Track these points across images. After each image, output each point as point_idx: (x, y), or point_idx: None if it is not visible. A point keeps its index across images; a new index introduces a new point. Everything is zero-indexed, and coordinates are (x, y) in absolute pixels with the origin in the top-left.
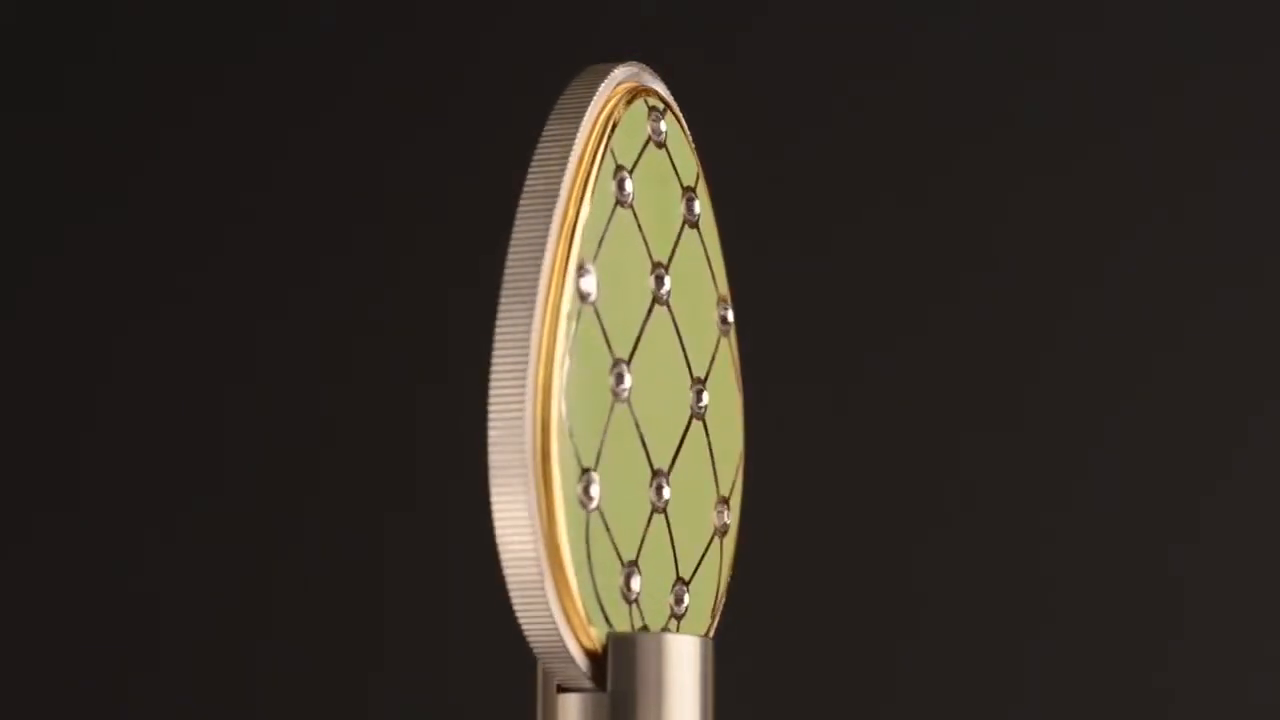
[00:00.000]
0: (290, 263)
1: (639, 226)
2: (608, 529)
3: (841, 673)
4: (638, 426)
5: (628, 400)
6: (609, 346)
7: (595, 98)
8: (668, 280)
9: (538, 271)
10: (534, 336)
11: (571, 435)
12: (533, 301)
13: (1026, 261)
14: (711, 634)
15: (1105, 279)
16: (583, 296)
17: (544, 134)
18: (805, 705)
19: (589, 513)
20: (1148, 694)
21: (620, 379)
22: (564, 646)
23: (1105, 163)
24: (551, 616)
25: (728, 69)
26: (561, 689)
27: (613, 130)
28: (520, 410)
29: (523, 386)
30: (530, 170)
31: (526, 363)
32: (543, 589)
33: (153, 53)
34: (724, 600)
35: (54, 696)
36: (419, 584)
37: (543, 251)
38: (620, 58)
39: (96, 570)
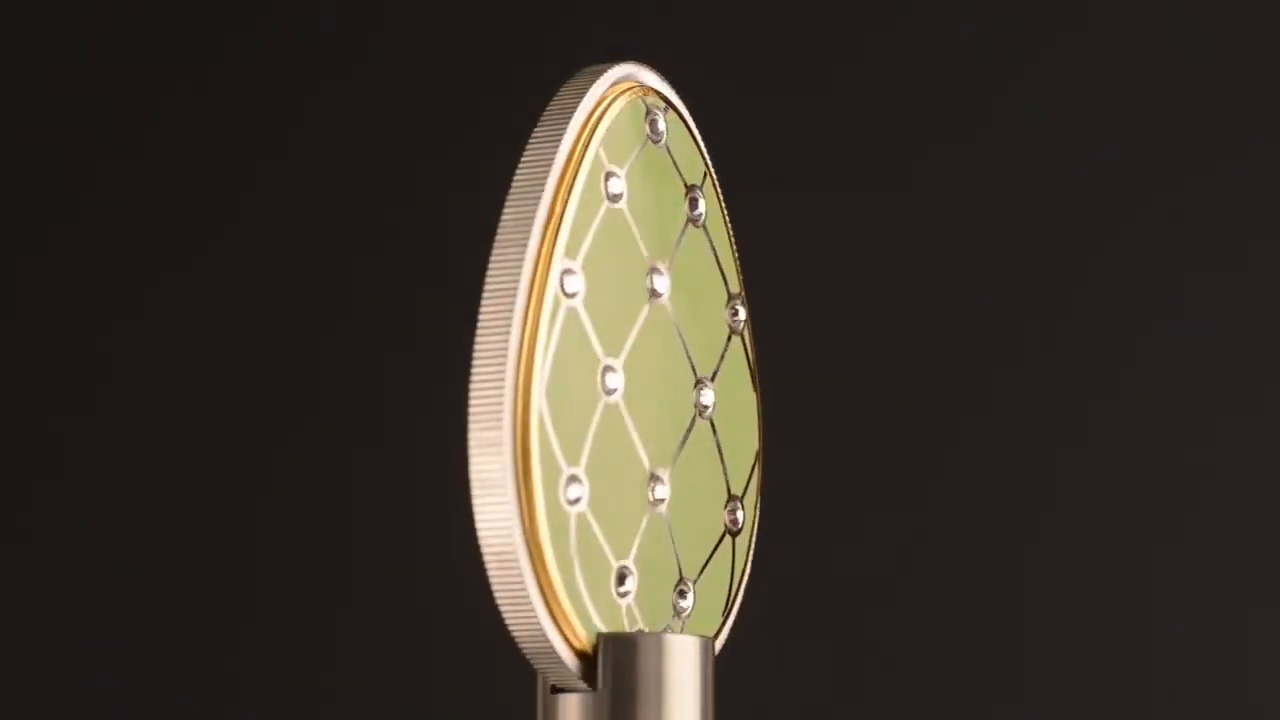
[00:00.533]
0: (279, 261)
1: (633, 226)
2: (596, 529)
3: (844, 675)
4: (631, 426)
5: (619, 400)
6: (596, 346)
7: (585, 98)
8: (667, 279)
9: (518, 272)
10: (513, 337)
11: (553, 435)
12: (512, 302)
13: (1042, 253)
14: (724, 634)
15: (1111, 278)
16: (566, 296)
17: (532, 135)
18: (808, 705)
19: (574, 513)
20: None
21: (609, 378)
22: (551, 647)
23: (1104, 161)
24: (536, 617)
25: (729, 69)
26: (555, 689)
27: (604, 130)
28: (499, 411)
29: (501, 387)
30: (517, 171)
31: (505, 363)
32: (525, 590)
33: (143, 51)
34: (739, 600)
35: (50, 697)
36: (420, 584)
37: (524, 252)
38: (622, 57)
39: (88, 569)
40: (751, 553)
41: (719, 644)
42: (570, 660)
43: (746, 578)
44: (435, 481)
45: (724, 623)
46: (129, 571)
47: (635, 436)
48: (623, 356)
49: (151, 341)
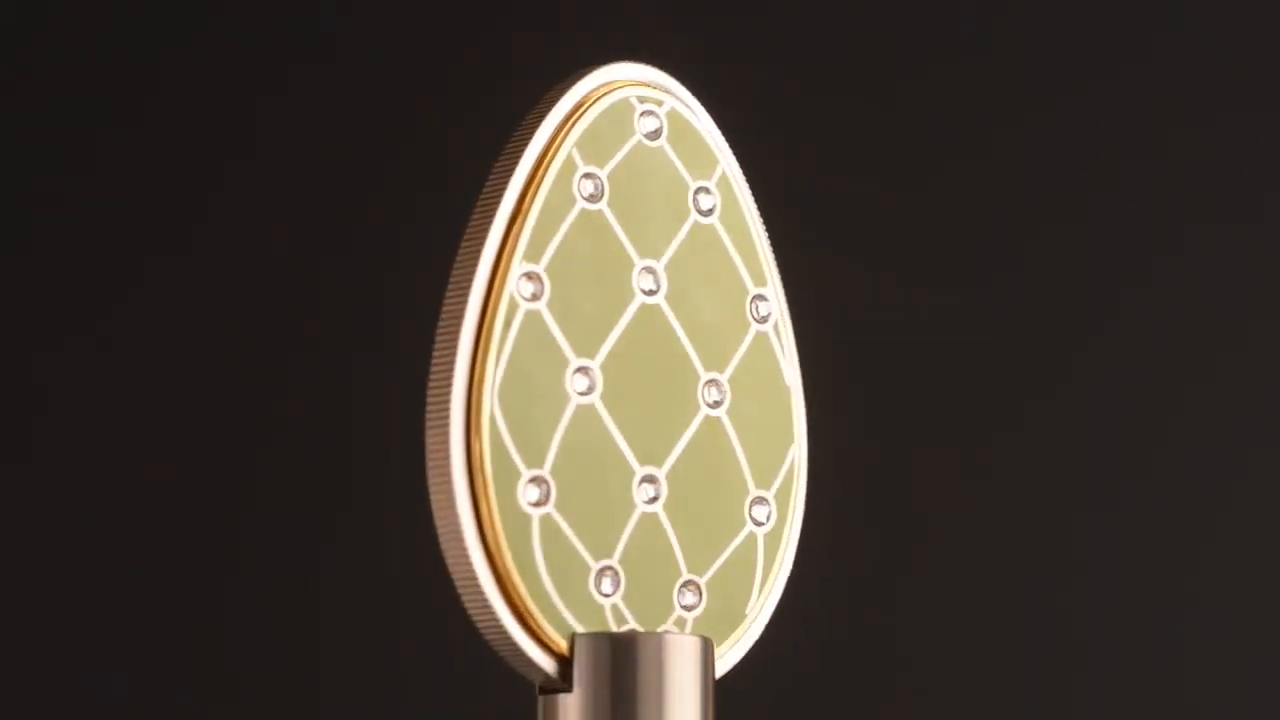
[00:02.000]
0: (266, 261)
1: (616, 226)
2: (567, 530)
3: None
4: (612, 426)
5: (595, 400)
6: (565, 347)
7: (558, 105)
8: (661, 277)
9: (470, 279)
10: (463, 343)
11: (509, 439)
12: (463, 308)
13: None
14: (754, 631)
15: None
16: (524, 300)
17: (507, 143)
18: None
19: (537, 515)
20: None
21: (579, 380)
22: (518, 649)
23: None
24: (498, 620)
25: (730, 67)
26: (541, 690)
27: (580, 132)
28: (445, 417)
29: (448, 394)
30: (487, 180)
31: (453, 370)
32: (484, 594)
33: (123, 45)
34: (775, 597)
35: (48, 699)
36: (424, 584)
37: (477, 260)
38: (625, 57)
39: (85, 570)
40: (788, 550)
41: (749, 641)
42: (544, 661)
43: (781, 575)
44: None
45: (749, 621)
46: (123, 574)
47: (618, 436)
48: (600, 357)
49: (137, 339)
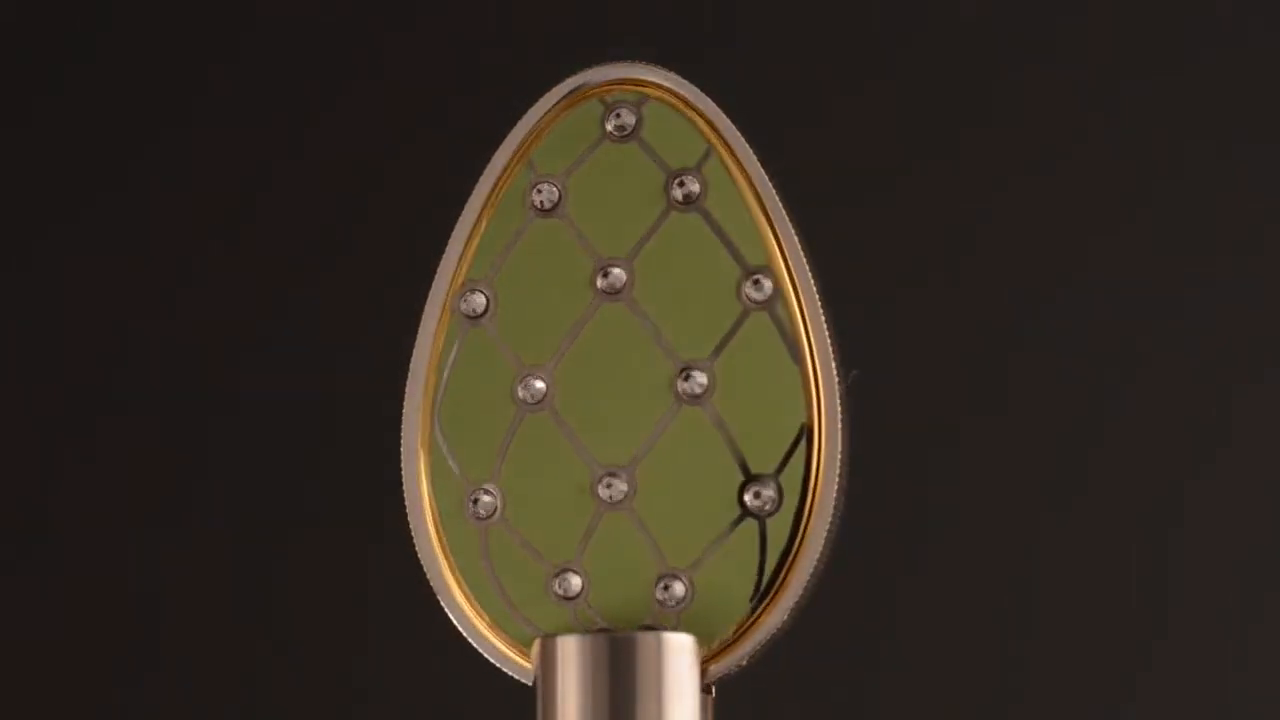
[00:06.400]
0: (262, 267)
1: (574, 232)
2: (521, 538)
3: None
4: (568, 431)
5: (547, 408)
6: (511, 359)
7: (521, 121)
8: (628, 275)
9: (424, 301)
10: (416, 364)
11: (451, 453)
12: (414, 330)
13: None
14: (773, 617)
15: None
16: (468, 317)
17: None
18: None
19: (485, 526)
20: None
21: (522, 389)
22: (494, 653)
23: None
24: (470, 625)
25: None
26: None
27: (540, 146)
28: (398, 437)
29: (398, 414)
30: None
31: (404, 390)
32: (449, 604)
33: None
34: (796, 582)
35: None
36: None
37: (429, 281)
38: (602, 59)
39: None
40: (802, 533)
41: (771, 626)
42: (518, 664)
43: (799, 559)
44: None
45: (756, 609)
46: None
47: (577, 439)
48: (554, 364)
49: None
